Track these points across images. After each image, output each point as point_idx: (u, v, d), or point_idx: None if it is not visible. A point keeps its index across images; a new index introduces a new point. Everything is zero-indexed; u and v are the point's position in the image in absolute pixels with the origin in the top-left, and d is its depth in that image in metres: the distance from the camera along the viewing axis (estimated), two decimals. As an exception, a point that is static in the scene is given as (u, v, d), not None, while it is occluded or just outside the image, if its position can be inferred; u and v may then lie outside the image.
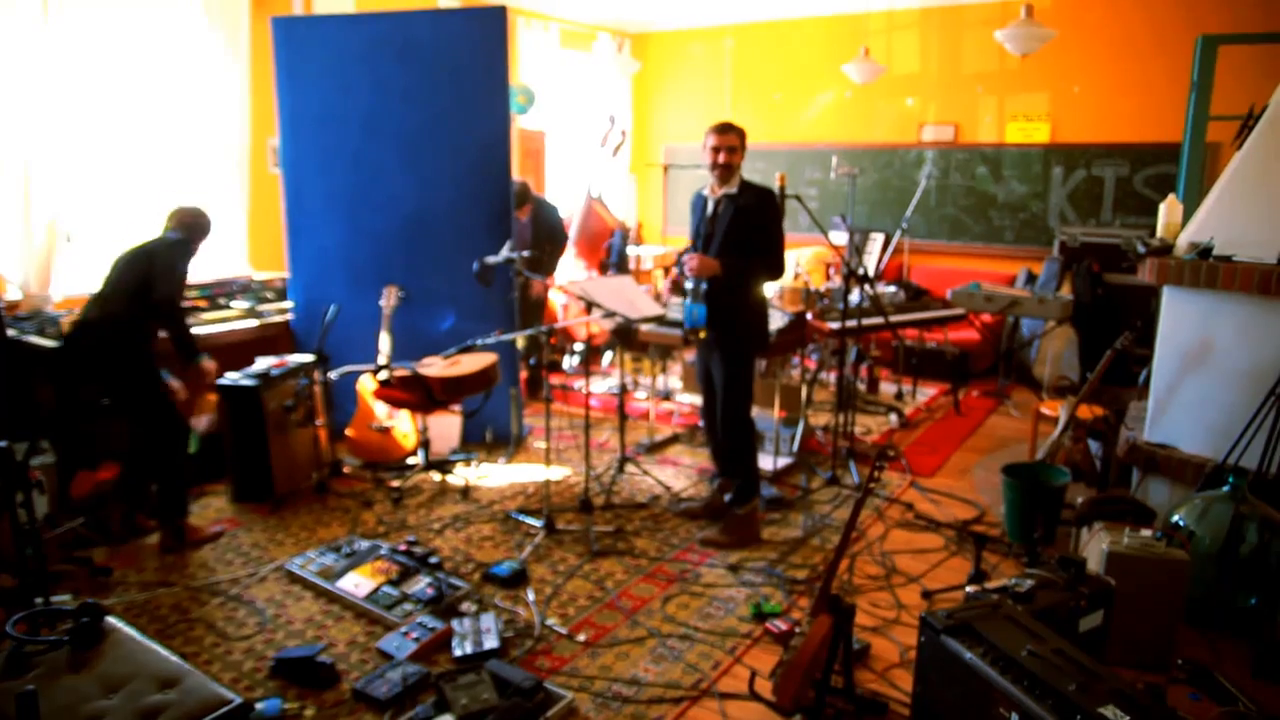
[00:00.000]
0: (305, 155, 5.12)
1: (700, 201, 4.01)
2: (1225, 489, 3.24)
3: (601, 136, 7.05)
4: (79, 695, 2.02)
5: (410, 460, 4.88)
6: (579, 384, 6.36)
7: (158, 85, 5.11)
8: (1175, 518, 3.29)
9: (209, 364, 3.96)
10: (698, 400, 5.95)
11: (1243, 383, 3.57)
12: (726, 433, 4.00)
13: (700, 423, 4.43)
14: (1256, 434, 3.37)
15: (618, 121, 6.78)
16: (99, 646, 2.18)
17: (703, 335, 3.87)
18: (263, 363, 4.51)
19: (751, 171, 9.17)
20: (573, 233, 6.86)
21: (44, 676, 2.06)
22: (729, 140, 3.77)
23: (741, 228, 3.82)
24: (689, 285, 3.82)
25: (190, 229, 3.95)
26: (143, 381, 3.84)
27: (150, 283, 3.74)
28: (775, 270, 3.93)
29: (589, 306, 4.10)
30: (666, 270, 8.29)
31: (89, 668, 2.11)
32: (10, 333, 4.17)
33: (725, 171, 3.80)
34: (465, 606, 3.33)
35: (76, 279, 4.76)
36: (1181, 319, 3.77)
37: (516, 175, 6.00)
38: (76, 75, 4.68)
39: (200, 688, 2.09)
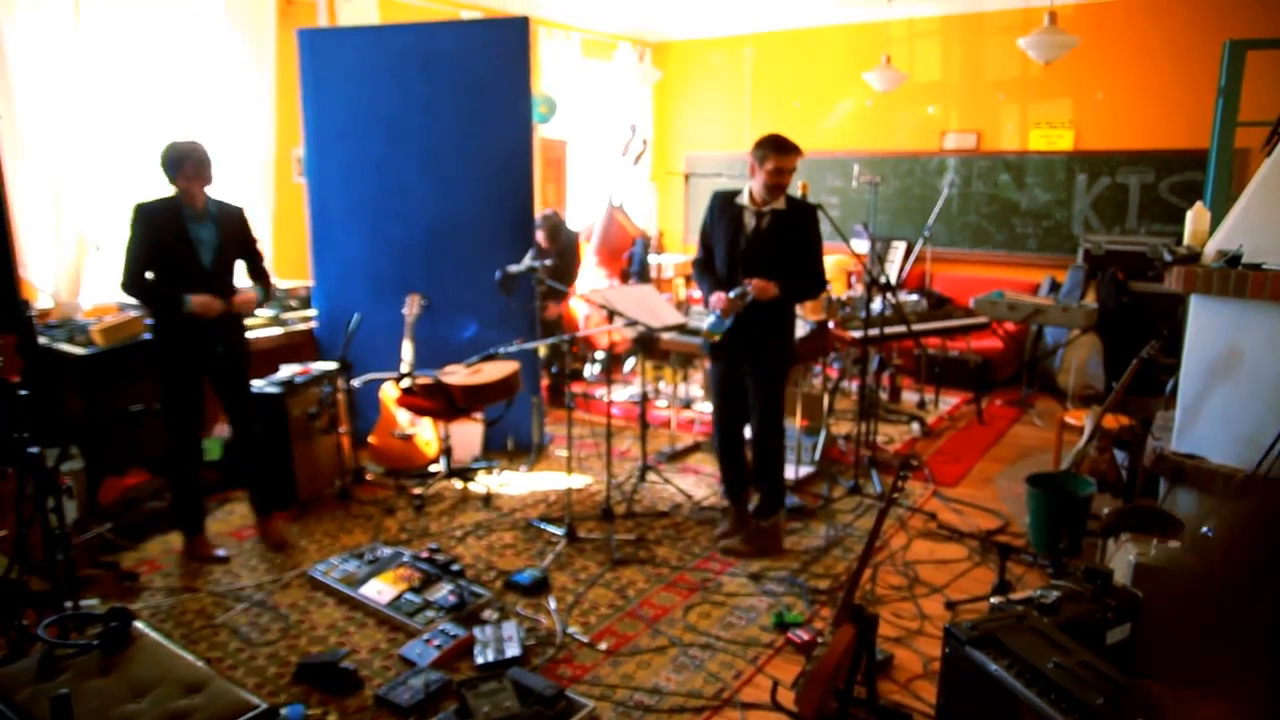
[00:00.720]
0: (329, 165, 5.17)
1: (731, 209, 3.83)
2: (1255, 500, 3.19)
3: (623, 145, 7.08)
4: (108, 698, 2.04)
5: (432, 468, 4.91)
6: (600, 392, 6.37)
7: (185, 96, 5.19)
8: (1204, 529, 3.25)
9: (199, 302, 3.64)
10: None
11: (1273, 392, 3.51)
12: (764, 443, 3.93)
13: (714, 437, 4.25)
14: (1287, 444, 3.31)
15: (639, 130, 6.80)
16: (127, 651, 2.21)
17: (717, 339, 3.81)
18: (287, 370, 4.55)
19: (772, 180, 9.07)
20: (594, 242, 6.88)
21: (74, 680, 2.09)
22: (792, 163, 3.68)
23: (792, 245, 3.78)
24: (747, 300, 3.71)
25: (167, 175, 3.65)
26: (158, 375, 3.80)
27: None
28: (820, 288, 3.93)
29: (611, 315, 4.11)
30: (687, 280, 8.28)
31: (117, 671, 2.14)
32: (41, 340, 4.24)
33: (781, 190, 3.74)
34: (487, 614, 3.34)
35: (105, 288, 4.83)
36: (1209, 328, 3.72)
37: (549, 209, 6.09)
38: (105, 87, 4.76)
39: (225, 693, 2.11)
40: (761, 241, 3.77)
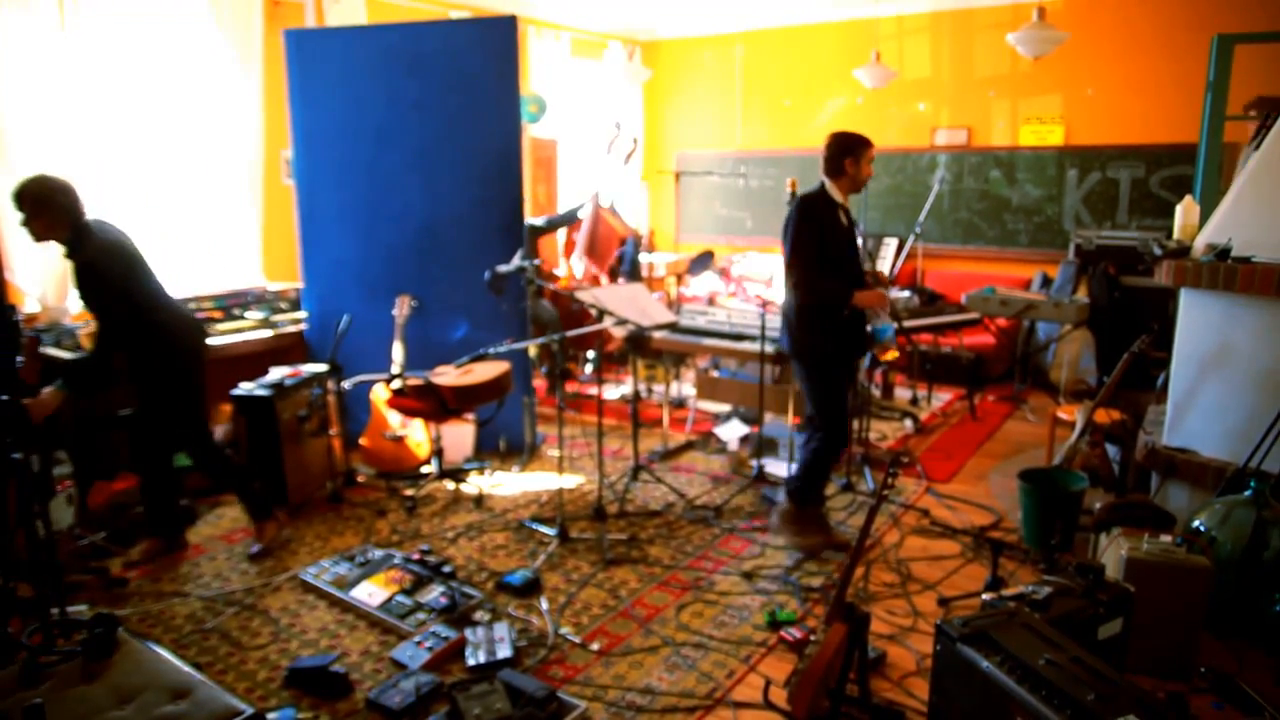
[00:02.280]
0: (318, 167, 5.15)
1: (830, 209, 3.80)
2: (1247, 493, 3.20)
3: (608, 143, 7.05)
4: (91, 706, 2.02)
5: (424, 469, 4.89)
6: (594, 390, 6.35)
7: (172, 98, 5.16)
8: (1196, 523, 3.25)
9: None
10: (711, 407, 5.95)
11: (1263, 385, 3.52)
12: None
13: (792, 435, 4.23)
14: (1278, 437, 3.32)
15: (624, 128, 6.77)
16: (112, 657, 2.19)
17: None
18: (277, 373, 4.53)
19: (763, 177, 9.16)
20: (581, 241, 6.86)
21: (57, 687, 2.07)
22: None
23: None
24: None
25: None
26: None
27: None
28: None
29: (601, 314, 4.10)
30: (679, 278, 8.26)
31: (102, 678, 2.12)
32: (28, 345, 4.20)
33: None
34: (478, 615, 3.32)
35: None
36: (1200, 322, 3.72)
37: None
38: (92, 89, 4.73)
39: (213, 698, 2.09)
40: (853, 236, 3.90)
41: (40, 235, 3.50)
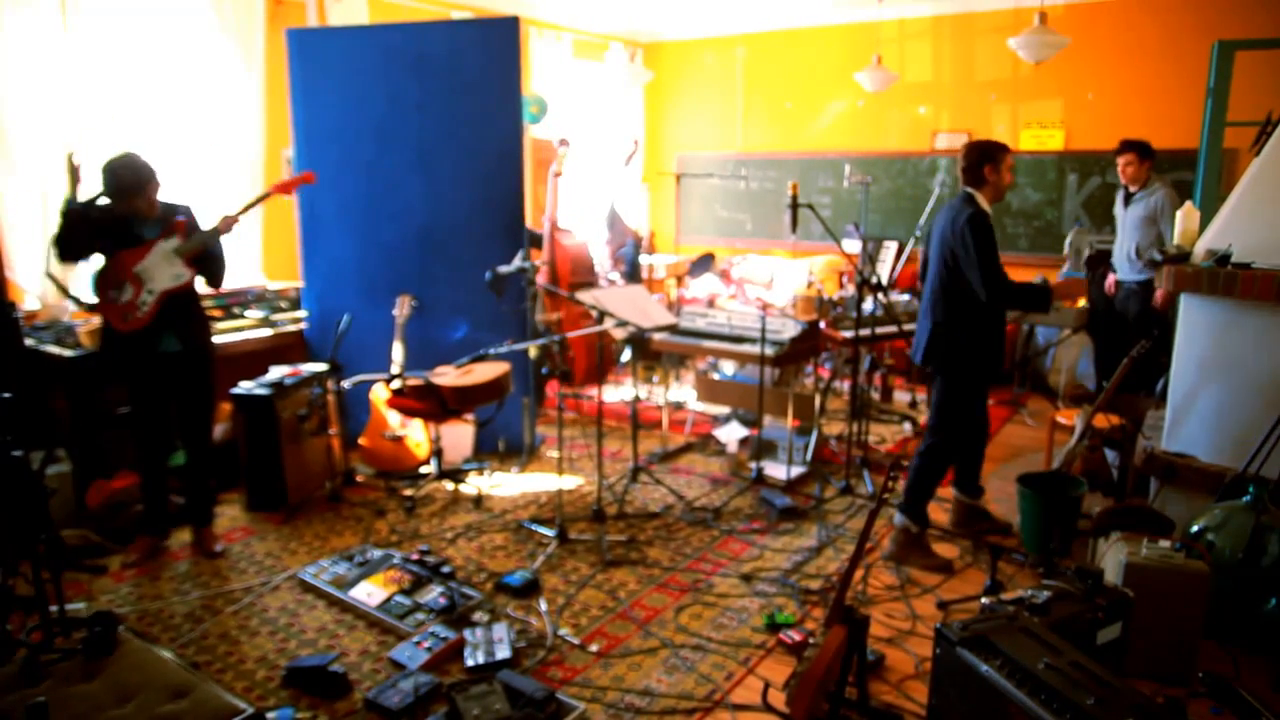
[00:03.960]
0: (319, 166, 5.12)
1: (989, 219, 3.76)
2: (1245, 499, 3.20)
3: (625, 157, 6.99)
4: (92, 704, 2.02)
5: (423, 469, 4.89)
6: (593, 392, 6.34)
7: (174, 97, 5.16)
8: (1194, 528, 3.25)
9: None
10: (711, 409, 5.95)
11: (1263, 391, 3.53)
12: None
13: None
14: (1277, 443, 3.32)
15: (640, 143, 6.61)
16: (111, 656, 2.19)
17: None
18: (276, 372, 4.53)
19: (764, 179, 9.17)
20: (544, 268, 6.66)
21: (57, 686, 2.06)
22: None
23: None
24: None
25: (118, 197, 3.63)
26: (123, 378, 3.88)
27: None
28: None
29: (601, 316, 4.10)
30: (679, 280, 8.25)
31: (102, 677, 2.12)
32: (28, 342, 4.21)
33: None
34: (477, 616, 3.32)
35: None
36: (1199, 327, 3.73)
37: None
38: (94, 86, 4.73)
39: (212, 697, 2.09)
40: None
41: (152, 206, 3.63)
